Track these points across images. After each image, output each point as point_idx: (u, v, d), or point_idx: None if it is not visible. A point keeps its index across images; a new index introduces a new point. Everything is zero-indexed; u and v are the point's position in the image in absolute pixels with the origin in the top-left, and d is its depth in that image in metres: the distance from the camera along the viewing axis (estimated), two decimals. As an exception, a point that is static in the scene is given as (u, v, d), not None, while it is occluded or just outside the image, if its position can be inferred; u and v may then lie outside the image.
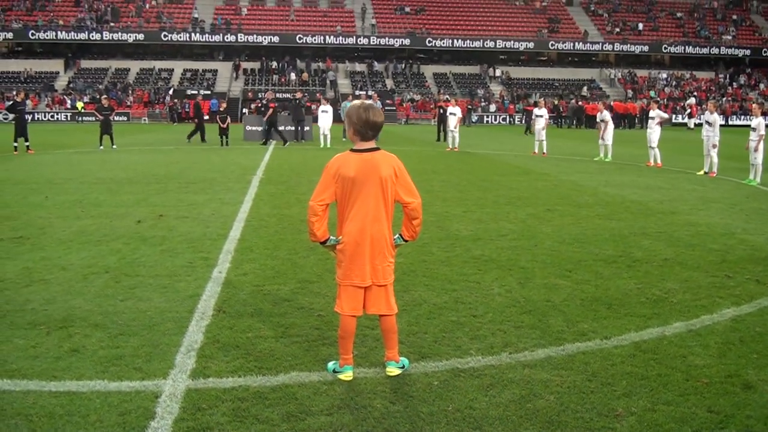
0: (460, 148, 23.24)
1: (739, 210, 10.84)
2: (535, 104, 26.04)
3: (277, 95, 42.66)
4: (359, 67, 58.00)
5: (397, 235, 4.14)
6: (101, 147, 22.09)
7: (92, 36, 53.32)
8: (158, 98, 50.63)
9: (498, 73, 58.74)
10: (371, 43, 57.10)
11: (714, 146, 15.85)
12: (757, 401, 3.84)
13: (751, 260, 7.31)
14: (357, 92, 50.20)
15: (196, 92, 49.20)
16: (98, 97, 41.00)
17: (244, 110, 41.21)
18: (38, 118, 45.19)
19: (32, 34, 52.79)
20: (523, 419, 3.59)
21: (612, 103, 44.61)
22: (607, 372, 4.22)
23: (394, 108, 50.47)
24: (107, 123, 22.41)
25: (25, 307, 5.39)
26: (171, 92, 50.44)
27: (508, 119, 51.87)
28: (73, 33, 53.18)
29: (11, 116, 23.33)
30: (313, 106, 35.80)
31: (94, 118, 35.85)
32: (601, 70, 60.51)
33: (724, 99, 55.25)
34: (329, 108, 25.06)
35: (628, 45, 59.60)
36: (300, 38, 55.59)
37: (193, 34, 54.74)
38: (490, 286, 6.12)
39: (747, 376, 4.18)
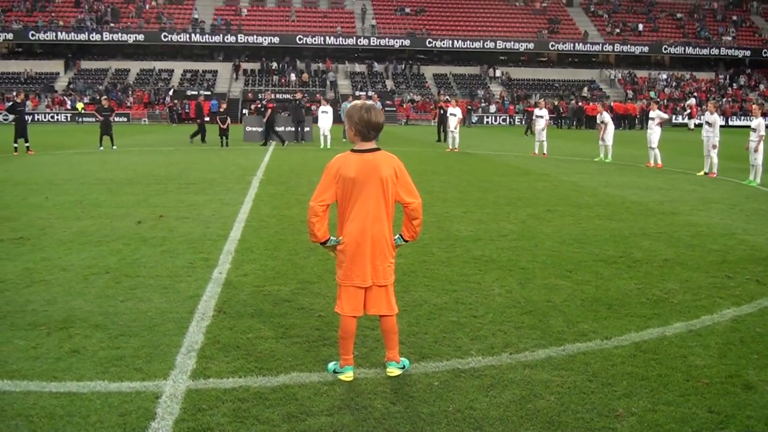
0: (461, 149, 23.25)
1: (739, 210, 10.85)
2: (536, 105, 26.04)
3: (277, 96, 42.71)
4: (359, 67, 58.01)
5: (397, 236, 4.15)
6: (101, 148, 22.10)
7: (92, 37, 53.31)
8: (158, 99, 50.62)
9: (498, 73, 58.74)
10: (371, 43, 57.10)
11: (714, 147, 15.85)
12: (757, 401, 3.85)
13: (752, 260, 7.31)
14: (357, 93, 50.21)
15: (196, 93, 49.14)
16: (98, 97, 41.04)
17: (244, 111, 41.21)
18: (38, 118, 45.23)
19: (32, 35, 52.79)
20: (523, 419, 3.59)
21: (612, 104, 44.70)
22: (608, 372, 4.22)
23: (394, 109, 50.48)
24: (107, 124, 22.44)
25: (26, 307, 5.39)
26: (171, 93, 50.41)
27: (508, 120, 51.87)
28: (73, 34, 53.17)
29: (11, 117, 23.34)
30: (313, 107, 35.81)
31: (94, 119, 35.86)
32: (601, 71, 60.53)
33: (724, 100, 55.25)
34: (329, 109, 25.09)
35: (628, 46, 59.60)
36: (300, 39, 55.60)
37: (193, 35, 54.74)
38: (490, 287, 6.12)
39: (747, 377, 4.18)
